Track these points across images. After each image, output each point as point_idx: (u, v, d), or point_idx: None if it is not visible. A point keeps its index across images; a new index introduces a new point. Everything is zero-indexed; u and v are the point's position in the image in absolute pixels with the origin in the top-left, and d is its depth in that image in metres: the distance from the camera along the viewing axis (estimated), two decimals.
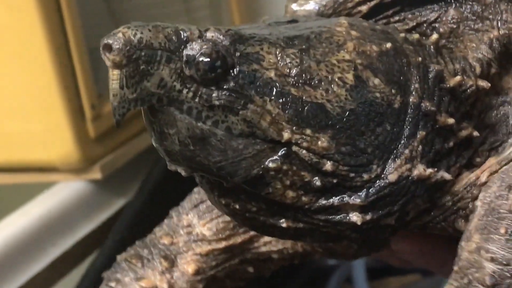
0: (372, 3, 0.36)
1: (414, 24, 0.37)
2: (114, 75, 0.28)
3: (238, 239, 0.40)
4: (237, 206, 0.32)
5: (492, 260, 0.30)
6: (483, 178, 0.33)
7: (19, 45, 0.79)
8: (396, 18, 0.37)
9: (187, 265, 0.42)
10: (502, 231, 0.31)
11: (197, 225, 0.42)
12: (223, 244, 0.41)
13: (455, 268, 0.32)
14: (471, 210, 0.33)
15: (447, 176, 0.33)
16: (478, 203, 0.32)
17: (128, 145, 0.84)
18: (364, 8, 0.37)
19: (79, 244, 0.80)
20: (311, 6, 0.37)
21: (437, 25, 0.37)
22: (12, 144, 0.84)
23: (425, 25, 0.37)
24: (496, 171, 0.33)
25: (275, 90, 0.30)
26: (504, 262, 0.30)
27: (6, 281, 0.71)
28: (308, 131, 0.30)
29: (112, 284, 0.43)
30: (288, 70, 0.31)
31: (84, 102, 0.83)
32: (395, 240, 0.37)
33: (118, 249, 0.86)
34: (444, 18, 0.37)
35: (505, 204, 0.31)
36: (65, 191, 0.84)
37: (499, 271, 0.30)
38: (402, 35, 0.34)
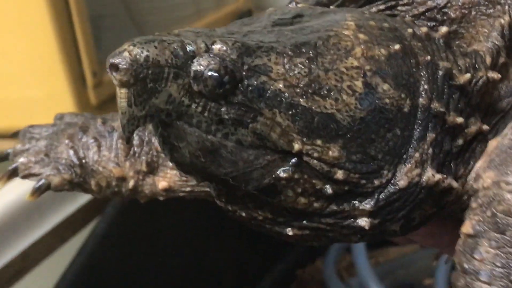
0: None
1: (424, 9, 0.37)
2: (122, 93, 0.29)
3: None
4: (244, 214, 0.33)
5: None
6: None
7: (21, 13, 0.81)
8: (405, 1, 0.37)
9: (162, 180, 0.44)
10: None
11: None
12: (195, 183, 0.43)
13: (473, 205, 0.32)
14: None
15: (455, 184, 0.33)
16: (484, 154, 0.33)
17: None
18: None
19: (80, 210, 0.84)
20: None
21: (447, 10, 0.37)
22: (15, 110, 0.87)
23: (435, 10, 0.37)
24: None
25: (284, 101, 0.30)
26: None
27: (10, 245, 0.75)
28: (319, 142, 0.31)
29: (93, 143, 0.45)
30: (296, 81, 0.31)
31: (85, 69, 0.86)
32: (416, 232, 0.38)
33: (118, 216, 0.89)
34: (454, 3, 0.37)
35: None
36: None
37: None
38: (410, 30, 0.34)
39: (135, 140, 0.45)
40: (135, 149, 0.45)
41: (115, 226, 0.88)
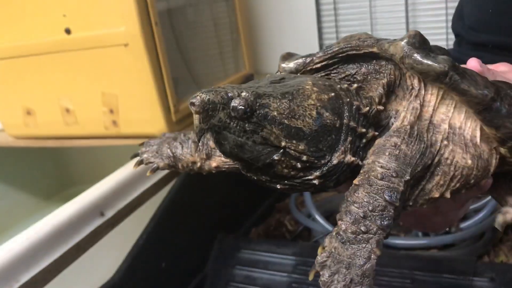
0: (320, 65, 0.51)
1: (343, 76, 0.51)
2: (196, 117, 0.43)
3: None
4: (255, 178, 0.48)
5: (381, 167, 0.44)
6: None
7: (136, 74, 1.29)
8: (335, 71, 0.52)
9: (213, 162, 0.59)
10: (387, 153, 0.45)
11: None
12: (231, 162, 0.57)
13: (361, 171, 0.45)
14: None
15: (361, 163, 0.47)
16: (372, 148, 0.46)
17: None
18: (318, 66, 0.51)
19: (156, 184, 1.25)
20: (292, 65, 0.52)
21: (356, 76, 0.51)
22: (135, 124, 1.36)
23: (350, 76, 0.51)
24: None
25: (277, 121, 0.44)
26: (387, 167, 0.44)
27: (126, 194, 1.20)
28: (294, 141, 0.45)
29: (179, 145, 0.61)
30: (283, 111, 0.44)
31: (170, 103, 1.34)
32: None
33: (183, 185, 1.34)
34: (359, 72, 0.51)
35: (388, 142, 0.46)
36: None
37: (384, 171, 0.44)
38: (338, 86, 0.48)
39: (200, 143, 0.60)
40: (200, 147, 0.60)
41: (182, 191, 1.36)
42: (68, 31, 1.34)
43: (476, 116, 0.47)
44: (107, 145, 1.44)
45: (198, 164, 0.59)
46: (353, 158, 0.47)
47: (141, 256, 1.22)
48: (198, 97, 0.42)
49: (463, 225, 1.42)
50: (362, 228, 0.42)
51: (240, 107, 0.43)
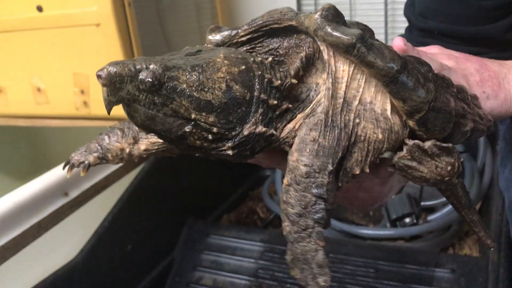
0: (246, 38, 0.52)
1: (267, 49, 0.52)
2: (104, 90, 0.43)
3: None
4: (174, 146, 0.49)
5: (305, 165, 0.46)
6: (296, 126, 0.49)
7: (107, 55, 1.27)
8: (259, 45, 0.52)
9: (141, 145, 0.60)
10: (308, 149, 0.47)
11: None
12: (161, 140, 0.55)
13: (287, 169, 0.47)
14: (293, 142, 0.49)
15: (274, 132, 0.49)
16: (296, 139, 0.48)
17: None
18: (243, 39, 0.52)
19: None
20: (218, 38, 0.53)
21: (278, 49, 0.52)
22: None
23: (273, 50, 0.52)
24: (303, 122, 0.49)
25: (186, 94, 0.45)
26: (310, 165, 0.46)
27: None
28: (204, 114, 0.45)
29: (106, 137, 0.61)
30: (192, 84, 0.45)
31: None
32: (260, 156, 0.53)
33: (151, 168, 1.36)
34: (282, 46, 0.52)
35: (308, 136, 0.47)
36: None
37: (308, 169, 0.46)
38: (252, 59, 0.48)
39: (125, 128, 0.60)
40: (125, 131, 0.60)
41: (151, 174, 1.37)
42: (40, 9, 1.33)
43: (384, 88, 0.48)
44: (77, 126, 1.44)
45: (127, 150, 0.60)
46: (264, 129, 0.48)
47: (106, 237, 1.22)
48: (105, 70, 0.42)
49: (430, 217, 1.43)
50: (301, 227, 0.45)
51: (147, 79, 0.43)
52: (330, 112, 0.49)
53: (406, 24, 0.84)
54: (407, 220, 1.42)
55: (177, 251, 1.44)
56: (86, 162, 0.62)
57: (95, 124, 1.41)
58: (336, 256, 1.30)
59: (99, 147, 0.61)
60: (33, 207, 1.08)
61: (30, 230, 1.06)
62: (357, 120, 0.49)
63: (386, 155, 0.52)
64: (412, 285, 1.20)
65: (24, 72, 1.43)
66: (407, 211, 1.40)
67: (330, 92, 0.49)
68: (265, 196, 1.64)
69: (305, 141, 0.47)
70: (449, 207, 1.42)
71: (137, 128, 0.59)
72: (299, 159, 0.46)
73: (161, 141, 0.57)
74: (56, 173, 1.15)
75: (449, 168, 0.52)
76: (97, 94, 1.36)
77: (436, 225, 1.39)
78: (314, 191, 0.45)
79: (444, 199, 1.41)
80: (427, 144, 0.50)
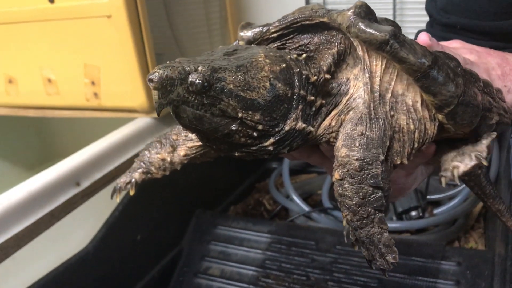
0: (276, 34, 0.53)
1: (297, 45, 0.53)
2: (155, 93, 0.43)
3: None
4: (214, 147, 0.50)
5: (357, 159, 0.47)
6: (333, 123, 0.50)
7: (118, 47, 1.27)
8: (290, 41, 0.53)
9: (180, 151, 0.61)
10: (357, 144, 0.47)
11: (189, 134, 0.61)
12: (199, 143, 0.58)
13: (336, 164, 0.48)
14: (335, 137, 0.50)
15: (312, 129, 0.50)
16: (340, 134, 0.49)
17: None
18: (274, 35, 0.53)
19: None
20: (249, 34, 0.53)
21: (308, 45, 0.52)
22: (116, 97, 1.36)
23: (303, 46, 0.53)
24: (338, 118, 0.50)
25: (233, 94, 0.45)
26: (362, 158, 0.47)
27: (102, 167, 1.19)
28: (250, 112, 0.46)
29: (146, 152, 0.63)
30: (238, 84, 0.46)
31: None
32: (297, 151, 0.53)
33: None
34: (312, 42, 0.52)
35: (355, 131, 0.48)
36: (140, 122, 1.38)
37: (360, 163, 0.47)
38: (289, 56, 0.50)
39: (162, 139, 0.62)
40: (163, 142, 0.62)
41: None
42: (51, 0, 1.34)
43: (415, 83, 0.50)
44: (88, 117, 1.44)
45: (168, 159, 0.61)
46: (304, 125, 0.49)
47: (116, 227, 1.23)
48: (156, 73, 0.43)
49: (436, 211, 1.44)
50: (363, 215, 0.47)
51: (198, 81, 0.44)
52: (372, 106, 0.50)
53: (415, 24, 0.84)
54: (413, 213, 1.43)
55: (186, 242, 1.45)
56: (133, 180, 0.63)
57: (105, 115, 1.41)
58: (343, 248, 1.31)
59: (142, 163, 0.63)
60: (46, 197, 1.09)
61: (43, 219, 1.07)
62: (392, 112, 0.51)
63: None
64: (418, 277, 1.21)
65: (35, 63, 1.43)
66: (413, 204, 1.41)
67: (369, 87, 0.50)
68: (272, 188, 1.64)
69: (352, 136, 0.48)
70: (455, 200, 1.43)
71: (173, 137, 0.61)
72: (350, 154, 0.48)
73: (198, 144, 0.58)
74: (68, 163, 1.17)
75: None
76: (107, 85, 1.36)
77: (442, 219, 1.40)
78: (370, 181, 0.47)
79: (450, 192, 1.47)
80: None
